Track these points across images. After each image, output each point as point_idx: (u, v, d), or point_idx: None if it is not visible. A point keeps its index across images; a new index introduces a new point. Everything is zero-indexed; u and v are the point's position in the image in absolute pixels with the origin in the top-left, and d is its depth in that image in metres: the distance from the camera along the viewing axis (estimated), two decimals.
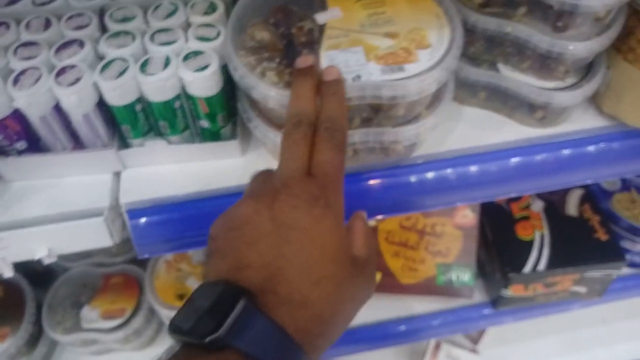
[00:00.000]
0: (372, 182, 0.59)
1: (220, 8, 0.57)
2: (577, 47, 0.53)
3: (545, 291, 0.90)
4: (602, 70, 0.59)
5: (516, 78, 0.59)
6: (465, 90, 0.62)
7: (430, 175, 0.59)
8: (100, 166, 0.58)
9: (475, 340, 1.25)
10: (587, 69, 0.60)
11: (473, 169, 0.59)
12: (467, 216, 0.89)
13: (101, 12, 0.58)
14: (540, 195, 0.93)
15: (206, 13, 0.57)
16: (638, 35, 0.56)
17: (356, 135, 0.54)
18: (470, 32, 0.57)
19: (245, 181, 0.59)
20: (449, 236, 0.90)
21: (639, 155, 0.62)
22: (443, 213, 0.90)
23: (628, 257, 0.97)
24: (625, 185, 0.97)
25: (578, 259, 0.87)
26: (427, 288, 0.90)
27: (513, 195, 0.62)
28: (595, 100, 0.63)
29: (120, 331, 0.83)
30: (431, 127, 0.55)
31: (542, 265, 0.86)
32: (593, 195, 0.95)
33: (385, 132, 0.54)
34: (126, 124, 0.56)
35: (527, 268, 0.86)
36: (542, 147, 0.60)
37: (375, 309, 0.93)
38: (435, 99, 0.56)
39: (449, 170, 0.59)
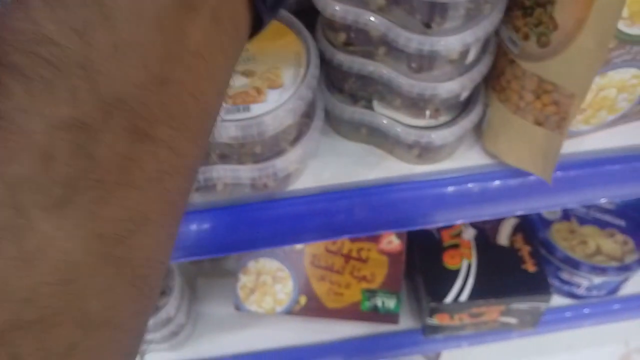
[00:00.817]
0: (246, 214, 0.60)
1: None
2: (436, 88, 0.53)
3: (472, 321, 0.89)
4: (478, 108, 0.58)
5: (389, 115, 0.59)
6: (348, 127, 0.62)
7: (298, 209, 0.59)
8: None
9: None
10: (463, 107, 0.59)
11: (343, 203, 0.59)
12: (393, 242, 0.89)
13: None
14: (472, 223, 0.92)
15: None
16: (508, 76, 0.55)
17: (214, 172, 0.55)
18: (339, 69, 0.57)
19: None
20: (375, 262, 0.90)
21: (519, 194, 0.61)
22: (369, 238, 0.89)
23: (566, 288, 0.95)
24: (566, 214, 0.95)
25: (501, 291, 0.85)
26: (353, 313, 0.90)
27: (381, 231, 0.62)
28: (480, 138, 0.62)
29: None
30: (293, 162, 0.55)
31: (464, 296, 0.85)
32: (530, 224, 0.93)
33: (241, 168, 0.54)
34: None
35: (449, 298, 0.85)
36: (414, 184, 0.60)
37: (302, 333, 0.93)
38: (299, 134, 0.56)
39: (317, 205, 0.59)
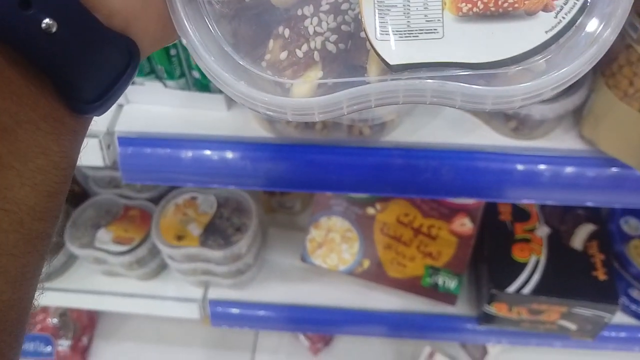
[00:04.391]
0: (334, 157, 0.63)
1: None
2: None
3: (530, 318, 0.89)
4: (582, 91, 0.59)
5: None
6: None
7: (387, 160, 0.62)
8: None
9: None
10: (567, 87, 0.60)
11: (432, 163, 0.61)
12: (465, 225, 0.90)
13: None
14: (548, 222, 0.91)
15: None
16: (621, 61, 0.56)
17: None
18: None
19: (226, 133, 0.66)
20: (443, 241, 0.91)
21: (608, 185, 0.61)
22: (441, 216, 0.91)
23: (633, 306, 0.92)
24: None
25: (567, 292, 0.84)
26: (412, 286, 0.92)
27: (461, 197, 0.63)
28: (578, 123, 0.63)
29: (125, 256, 0.93)
30: (392, 111, 0.58)
31: (527, 289, 0.85)
32: (608, 234, 0.92)
33: None
34: None
35: (512, 288, 0.85)
36: (505, 157, 0.61)
37: (356, 296, 0.95)
38: None
39: (406, 160, 0.62)
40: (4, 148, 0.25)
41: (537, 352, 1.18)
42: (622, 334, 0.92)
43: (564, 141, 0.62)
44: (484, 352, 1.19)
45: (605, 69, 0.58)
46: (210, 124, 0.66)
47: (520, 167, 0.61)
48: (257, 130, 0.65)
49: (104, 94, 0.30)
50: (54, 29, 0.26)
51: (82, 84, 0.29)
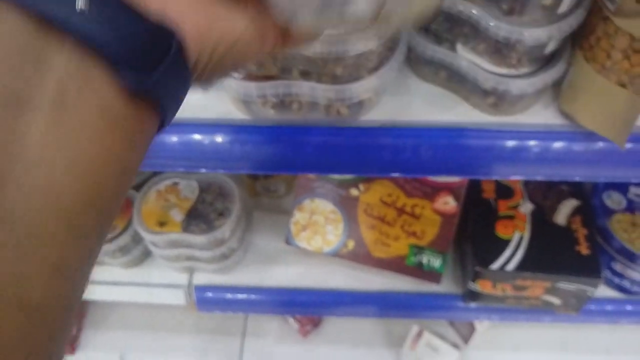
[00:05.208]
0: (312, 138, 0.62)
1: None
2: (522, 33, 0.53)
3: (515, 294, 0.89)
4: (560, 65, 0.58)
5: (471, 59, 0.59)
6: (428, 68, 0.63)
7: (366, 140, 0.61)
8: None
9: (466, 338, 1.24)
10: (546, 62, 0.59)
11: (410, 141, 0.61)
12: (448, 203, 0.90)
13: None
14: (532, 199, 0.92)
15: None
16: (598, 34, 0.55)
17: (293, 87, 0.57)
18: None
19: (203, 115, 0.65)
20: (427, 220, 0.91)
21: (587, 160, 0.60)
22: (425, 196, 0.90)
23: (616, 280, 0.93)
24: (631, 206, 0.92)
25: (550, 267, 0.85)
26: (397, 266, 0.92)
27: (442, 175, 0.63)
28: (557, 98, 0.62)
29: (108, 245, 0.92)
30: (368, 90, 0.57)
31: (511, 266, 0.85)
32: (591, 209, 0.92)
33: (319, 87, 0.56)
34: None
35: (496, 265, 0.85)
36: (484, 133, 0.60)
37: (343, 277, 0.95)
38: (379, 64, 0.58)
39: (384, 139, 0.61)
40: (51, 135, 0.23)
41: (524, 328, 1.20)
42: (608, 307, 0.93)
43: (543, 116, 0.61)
44: (472, 329, 1.20)
45: (583, 42, 0.57)
46: (186, 106, 0.64)
47: (500, 143, 0.61)
48: (233, 113, 0.64)
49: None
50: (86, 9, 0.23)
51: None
